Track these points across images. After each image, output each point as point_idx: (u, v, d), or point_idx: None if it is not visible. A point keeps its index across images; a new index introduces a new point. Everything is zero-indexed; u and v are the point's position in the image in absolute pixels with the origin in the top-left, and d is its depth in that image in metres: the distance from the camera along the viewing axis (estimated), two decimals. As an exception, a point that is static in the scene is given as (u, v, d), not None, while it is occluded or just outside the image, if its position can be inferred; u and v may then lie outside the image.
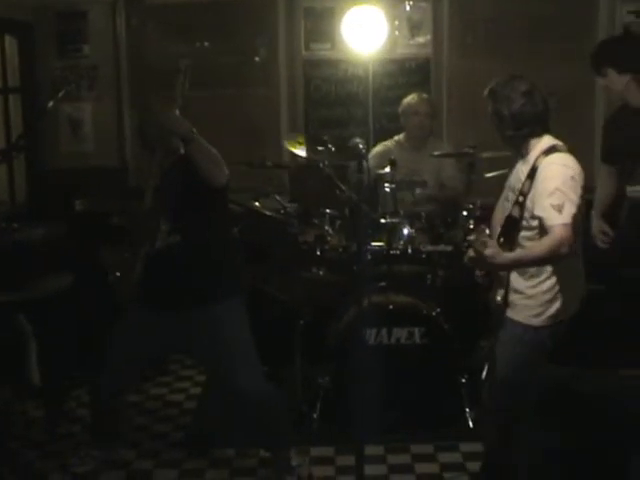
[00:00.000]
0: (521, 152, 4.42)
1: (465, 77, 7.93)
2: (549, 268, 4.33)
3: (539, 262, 4.26)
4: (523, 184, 4.29)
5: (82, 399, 6.22)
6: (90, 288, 5.89)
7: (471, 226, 5.98)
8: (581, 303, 4.51)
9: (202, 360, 5.42)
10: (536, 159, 4.28)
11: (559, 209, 4.09)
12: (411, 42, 7.84)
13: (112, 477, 5.24)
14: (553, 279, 4.35)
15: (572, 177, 4.18)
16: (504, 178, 5.97)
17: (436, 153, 6.58)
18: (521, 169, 4.40)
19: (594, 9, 7.87)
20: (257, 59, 8.11)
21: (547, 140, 4.35)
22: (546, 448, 4.97)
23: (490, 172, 6.21)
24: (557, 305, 4.38)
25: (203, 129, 7.66)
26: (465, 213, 6.05)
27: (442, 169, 6.76)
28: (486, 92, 4.43)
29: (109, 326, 4.98)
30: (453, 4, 7.86)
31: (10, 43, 7.64)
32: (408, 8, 7.77)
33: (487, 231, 4.04)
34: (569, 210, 4.10)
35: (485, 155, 6.10)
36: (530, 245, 4.28)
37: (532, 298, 4.39)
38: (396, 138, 7.00)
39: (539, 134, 4.35)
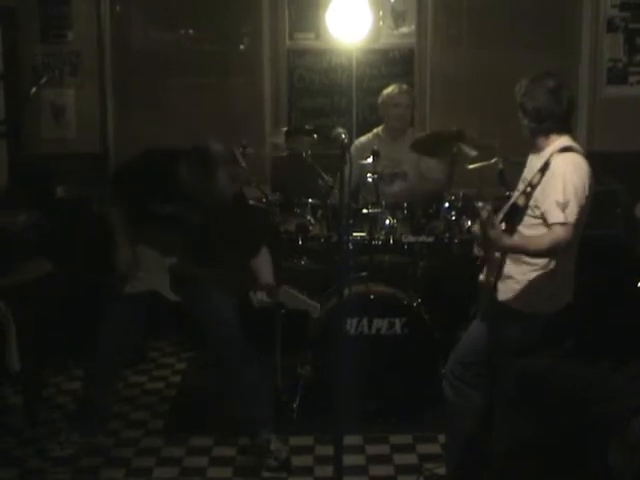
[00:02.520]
0: (538, 146, 4.47)
1: (449, 67, 7.94)
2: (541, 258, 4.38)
3: (535, 254, 4.34)
4: (534, 176, 4.36)
5: (62, 386, 6.22)
6: (70, 274, 5.87)
7: (453, 217, 6.00)
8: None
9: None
10: (551, 155, 4.35)
11: (563, 208, 4.18)
12: (395, 32, 7.82)
13: (91, 463, 5.24)
14: (545, 269, 4.40)
15: (581, 178, 4.27)
16: (486, 169, 6.04)
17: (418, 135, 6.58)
18: (535, 163, 4.46)
19: (578, 1, 7.87)
20: (242, 47, 8.10)
21: (565, 139, 4.41)
22: (520, 437, 5.01)
23: (473, 163, 6.22)
24: (545, 295, 4.43)
25: (186, 116, 7.71)
26: (447, 204, 6.05)
27: (422, 160, 6.73)
28: (517, 86, 4.48)
29: (89, 313, 4.99)
30: (437, -5, 7.84)
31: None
32: (392, -2, 7.78)
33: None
34: (573, 210, 4.19)
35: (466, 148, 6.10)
36: (530, 235, 4.34)
37: (521, 284, 4.44)
38: (375, 131, 6.97)
39: (559, 132, 4.41)
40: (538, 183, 4.32)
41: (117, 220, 4.98)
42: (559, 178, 4.24)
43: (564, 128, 4.44)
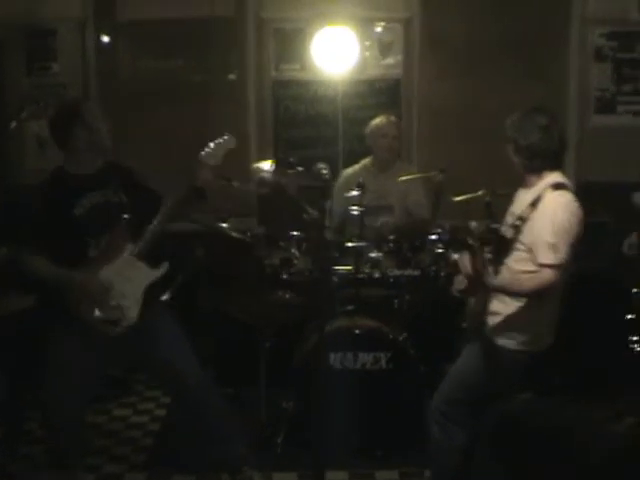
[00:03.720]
0: (529, 182, 4.47)
1: (436, 98, 7.91)
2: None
3: (522, 295, 4.34)
4: (523, 210, 4.35)
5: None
6: (51, 308, 5.82)
7: (439, 250, 5.97)
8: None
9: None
10: (543, 190, 4.34)
11: (554, 249, 4.19)
12: (381, 63, 7.83)
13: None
14: (531, 306, 4.37)
15: (572, 218, 4.26)
16: (473, 201, 6.02)
17: (403, 178, 6.54)
18: (525, 197, 4.45)
19: (566, 31, 7.89)
20: (231, 77, 8.07)
21: (556, 175, 4.41)
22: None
23: (459, 195, 6.19)
24: (532, 332, 4.42)
25: (170, 145, 7.67)
26: (433, 237, 6.02)
27: (408, 194, 6.71)
28: (508, 121, 4.48)
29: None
30: (424, 25, 7.84)
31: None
32: (379, 29, 7.76)
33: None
34: (563, 251, 4.20)
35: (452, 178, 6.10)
36: (518, 276, 4.33)
37: (508, 321, 4.42)
38: (362, 162, 6.96)
39: (551, 168, 4.41)
40: (528, 217, 4.31)
41: (45, 269, 4.58)
42: (550, 217, 4.24)
43: (556, 165, 4.44)
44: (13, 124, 6.11)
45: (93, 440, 5.89)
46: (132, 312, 4.65)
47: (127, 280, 4.66)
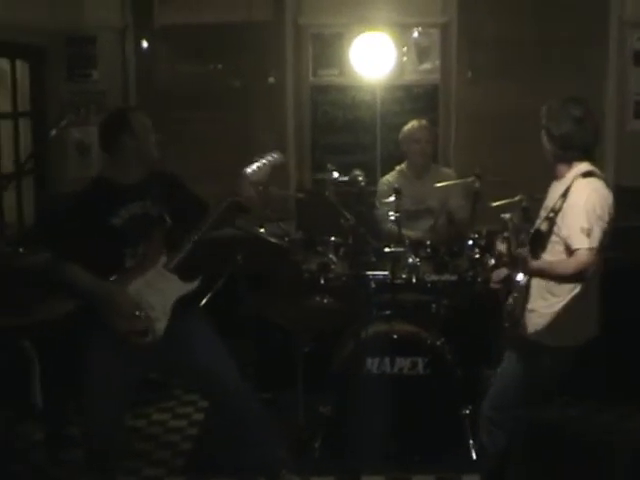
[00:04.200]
0: (560, 172, 4.46)
1: (473, 103, 7.92)
2: (566, 289, 4.36)
3: (560, 279, 4.34)
4: (556, 202, 4.35)
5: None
6: (93, 312, 5.88)
7: (477, 255, 5.97)
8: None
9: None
10: (572, 180, 4.34)
11: (588, 233, 4.18)
12: (419, 68, 7.84)
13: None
14: (568, 301, 4.37)
15: (603, 203, 4.26)
16: (510, 207, 6.00)
17: (440, 184, 6.53)
18: (557, 189, 4.45)
19: (604, 34, 7.87)
20: (270, 80, 8.11)
21: (585, 165, 4.39)
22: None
23: (496, 201, 6.19)
24: (570, 327, 4.41)
25: (209, 150, 7.73)
26: (470, 242, 6.02)
27: (449, 197, 6.72)
28: (543, 108, 4.48)
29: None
30: (461, 29, 7.85)
31: (21, 67, 7.64)
32: (416, 34, 7.77)
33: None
34: (597, 234, 4.19)
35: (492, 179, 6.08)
36: (556, 261, 4.32)
37: (545, 317, 4.41)
38: (398, 168, 6.97)
39: (582, 159, 4.40)
40: (560, 209, 4.31)
41: (83, 279, 4.60)
42: (581, 204, 4.24)
43: (587, 157, 4.42)
44: (53, 132, 6.16)
45: (132, 444, 5.95)
46: (160, 324, 4.64)
47: (157, 292, 4.66)
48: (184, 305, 4.73)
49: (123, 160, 4.72)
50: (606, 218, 4.24)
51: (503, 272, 4.59)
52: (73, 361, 5.71)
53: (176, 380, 6.74)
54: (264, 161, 4.84)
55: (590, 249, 4.17)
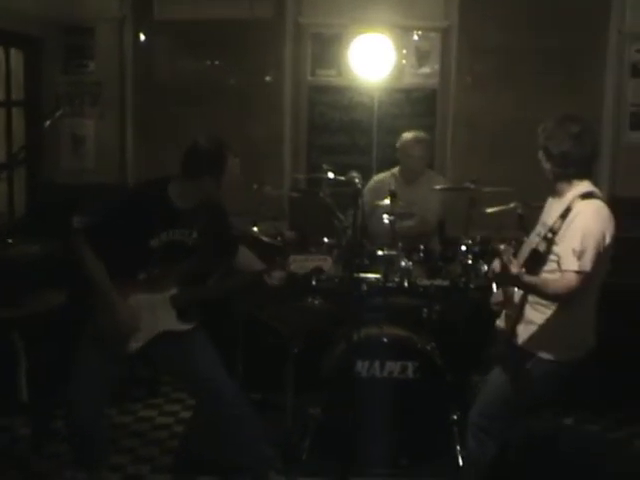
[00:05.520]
0: (559, 190, 4.44)
1: (471, 109, 7.91)
2: (568, 306, 4.34)
3: (549, 297, 4.32)
4: (555, 222, 4.33)
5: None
6: (83, 305, 5.85)
7: (470, 261, 5.96)
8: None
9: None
10: (572, 200, 4.32)
11: (579, 256, 4.18)
12: (418, 72, 7.82)
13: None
14: (566, 315, 4.36)
15: (602, 226, 4.25)
16: (504, 213, 6.00)
17: (437, 187, 6.56)
18: (555, 207, 4.44)
19: (603, 45, 7.87)
20: (268, 79, 8.09)
21: (586, 184, 4.39)
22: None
23: (491, 207, 6.18)
24: (566, 341, 4.39)
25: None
26: (464, 248, 6.01)
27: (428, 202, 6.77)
28: (540, 128, 4.45)
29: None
30: (462, 35, 7.85)
31: (15, 56, 7.60)
32: (416, 38, 7.75)
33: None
34: (588, 259, 4.18)
35: (487, 190, 6.07)
36: (551, 278, 4.30)
37: (543, 330, 4.40)
38: (392, 171, 6.97)
39: (581, 177, 4.39)
40: (559, 229, 4.29)
41: (100, 277, 4.64)
42: (579, 226, 4.23)
43: (587, 173, 4.41)
44: (47, 123, 6.13)
45: (117, 440, 5.91)
46: (136, 345, 4.72)
47: (151, 317, 4.73)
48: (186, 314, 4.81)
49: (193, 190, 4.67)
50: (603, 242, 4.23)
51: (500, 294, 4.63)
52: (60, 354, 5.71)
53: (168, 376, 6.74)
54: (313, 261, 4.83)
55: (579, 272, 4.17)
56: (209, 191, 4.66)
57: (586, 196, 4.32)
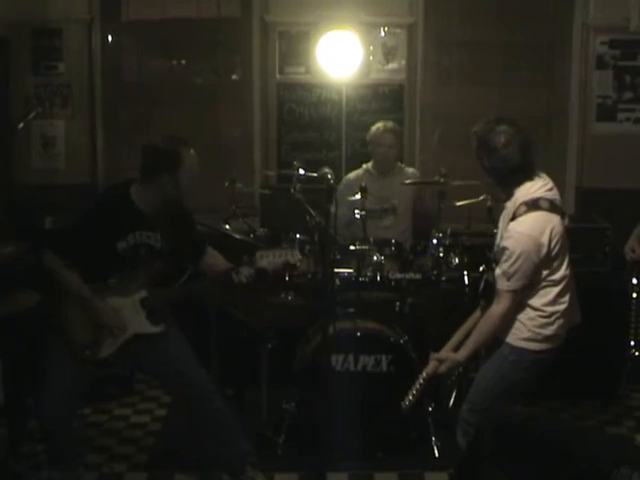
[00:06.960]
0: (505, 197, 4.49)
1: (439, 103, 7.98)
2: (542, 301, 4.42)
3: (493, 334, 4.46)
4: (502, 237, 4.42)
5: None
6: (56, 307, 5.85)
7: (441, 254, 6.01)
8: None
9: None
10: (516, 209, 4.35)
11: (508, 277, 4.28)
12: (385, 67, 7.84)
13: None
14: (550, 314, 4.43)
15: (534, 241, 4.27)
16: (475, 206, 6.06)
17: (407, 182, 6.61)
18: (506, 214, 4.48)
19: (568, 38, 7.93)
20: (234, 77, 8.12)
21: (526, 190, 4.38)
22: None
23: (461, 200, 6.24)
24: (546, 332, 4.44)
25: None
26: (435, 241, 6.06)
27: (413, 195, 6.86)
28: (472, 133, 4.48)
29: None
30: (427, 31, 7.89)
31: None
32: (383, 34, 7.78)
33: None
34: (518, 278, 4.28)
35: (456, 183, 6.12)
36: (477, 327, 4.48)
37: (522, 323, 4.45)
38: (365, 166, 7.02)
39: (521, 182, 4.39)
40: (501, 255, 4.37)
41: (77, 286, 4.70)
42: (509, 246, 4.29)
43: (526, 175, 4.40)
44: (21, 125, 6.13)
45: (93, 439, 5.94)
46: (107, 350, 4.75)
47: (122, 321, 4.77)
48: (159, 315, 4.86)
49: (153, 189, 4.70)
50: (540, 252, 4.27)
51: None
52: (34, 355, 5.70)
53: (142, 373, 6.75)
54: (280, 256, 4.89)
55: (508, 291, 4.29)
56: (169, 189, 4.68)
57: (527, 205, 4.31)
